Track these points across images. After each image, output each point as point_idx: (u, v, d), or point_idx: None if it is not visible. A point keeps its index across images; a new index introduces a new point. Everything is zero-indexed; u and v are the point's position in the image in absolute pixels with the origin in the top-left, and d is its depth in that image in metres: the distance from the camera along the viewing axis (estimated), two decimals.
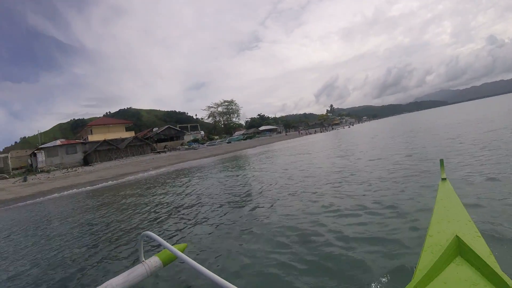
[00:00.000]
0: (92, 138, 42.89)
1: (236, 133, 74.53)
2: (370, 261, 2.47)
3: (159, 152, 43.38)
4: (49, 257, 4.20)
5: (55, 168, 36.83)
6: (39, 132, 51.63)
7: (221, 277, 1.14)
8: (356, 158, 9.37)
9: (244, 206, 5.26)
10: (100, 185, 16.42)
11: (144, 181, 14.48)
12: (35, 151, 37.78)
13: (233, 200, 5.95)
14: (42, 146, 38.68)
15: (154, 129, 55.60)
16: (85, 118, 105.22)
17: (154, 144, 48.24)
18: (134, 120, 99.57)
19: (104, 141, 39.67)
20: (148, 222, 5.36)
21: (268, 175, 8.67)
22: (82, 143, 41.05)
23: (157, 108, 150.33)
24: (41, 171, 35.89)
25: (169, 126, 54.41)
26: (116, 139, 43.53)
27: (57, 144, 39.01)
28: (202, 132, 71.09)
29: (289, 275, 2.51)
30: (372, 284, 2.13)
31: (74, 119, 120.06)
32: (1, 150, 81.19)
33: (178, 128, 56.40)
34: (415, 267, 1.25)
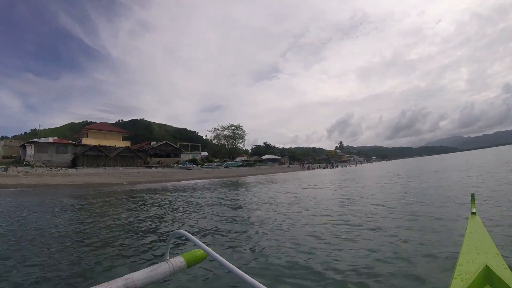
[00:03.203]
0: (86, 141, 42.36)
1: (237, 158, 73.50)
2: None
3: (150, 167, 42.33)
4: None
5: (41, 165, 36.16)
6: (40, 126, 51.36)
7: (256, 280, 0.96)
8: None
9: None
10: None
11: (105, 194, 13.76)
12: (25, 144, 37.24)
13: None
14: (33, 140, 38.33)
15: (152, 143, 54.99)
16: (97, 122, 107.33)
17: (148, 158, 47.28)
18: (145, 133, 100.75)
19: (94, 146, 38.96)
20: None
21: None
22: (74, 144, 40.49)
23: (170, 124, 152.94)
24: (27, 165, 35.37)
25: (166, 142, 53.46)
26: (109, 146, 42.99)
27: (49, 141, 38.57)
28: (205, 153, 70.20)
29: None
30: None
31: (86, 120, 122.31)
32: (11, 137, 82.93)
33: (176, 146, 55.54)
34: None
